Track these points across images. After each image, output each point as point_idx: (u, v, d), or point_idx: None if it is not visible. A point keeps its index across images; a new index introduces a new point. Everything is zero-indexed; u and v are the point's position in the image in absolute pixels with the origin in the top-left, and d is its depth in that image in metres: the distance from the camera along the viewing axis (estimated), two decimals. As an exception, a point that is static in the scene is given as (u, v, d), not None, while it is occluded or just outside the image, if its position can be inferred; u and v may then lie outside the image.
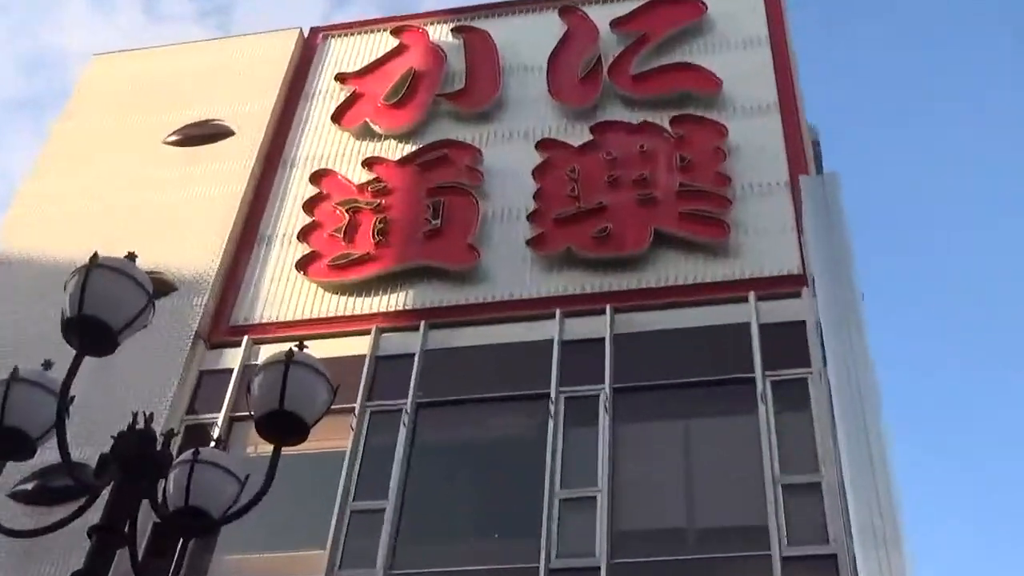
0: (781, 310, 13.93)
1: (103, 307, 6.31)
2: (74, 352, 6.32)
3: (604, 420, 13.28)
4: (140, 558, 6.56)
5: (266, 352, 11.37)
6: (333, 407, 7.00)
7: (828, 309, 12.38)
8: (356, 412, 13.90)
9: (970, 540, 44.12)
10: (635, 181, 15.59)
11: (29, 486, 13.00)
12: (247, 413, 7.00)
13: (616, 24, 18.05)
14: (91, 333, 6.30)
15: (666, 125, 16.31)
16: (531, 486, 12.87)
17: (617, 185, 15.66)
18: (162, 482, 6.70)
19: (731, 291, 14.28)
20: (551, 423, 13.34)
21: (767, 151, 15.77)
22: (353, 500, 13.23)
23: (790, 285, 14.07)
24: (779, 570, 11.53)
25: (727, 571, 11.97)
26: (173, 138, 18.21)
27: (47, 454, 6.74)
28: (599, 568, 12.01)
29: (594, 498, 12.61)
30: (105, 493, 6.45)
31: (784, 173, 15.37)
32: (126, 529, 6.36)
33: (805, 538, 11.84)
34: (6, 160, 59.39)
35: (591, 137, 16.47)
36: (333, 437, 13.31)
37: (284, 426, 6.63)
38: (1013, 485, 44.58)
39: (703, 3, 18.02)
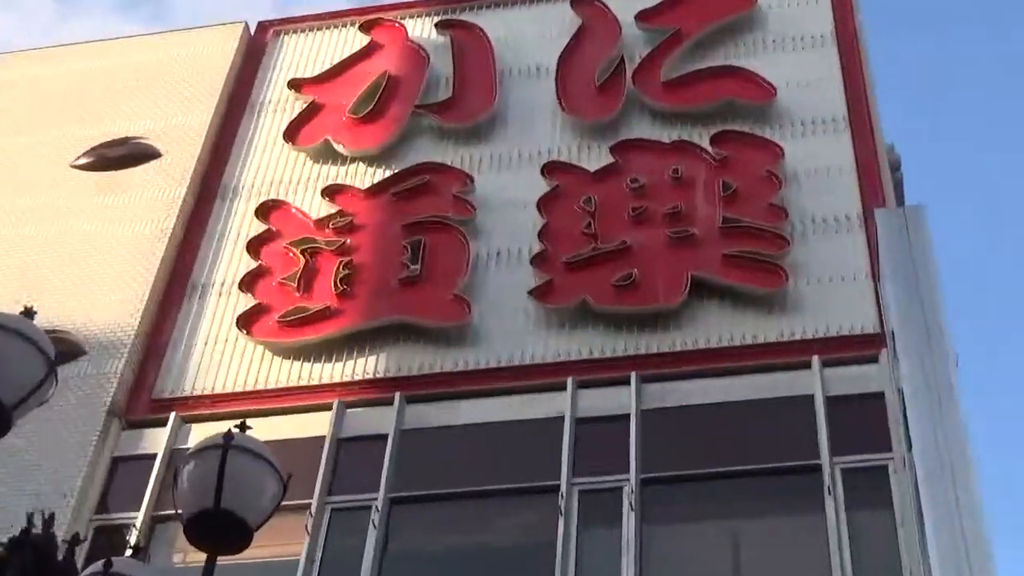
0: (853, 379, 13.88)
1: (-6, 377, 6.36)
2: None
3: (629, 520, 13.16)
4: None
5: (199, 434, 11.39)
6: (284, 503, 7.05)
7: (914, 378, 12.32)
8: (313, 510, 13.73)
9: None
10: (667, 215, 15.66)
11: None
12: (174, 511, 7.00)
13: (643, 17, 18.23)
14: (-21, 410, 6.35)
15: (706, 144, 16.40)
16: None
17: (645, 220, 15.72)
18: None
19: (790, 355, 14.24)
20: (561, 523, 13.19)
21: (834, 178, 15.84)
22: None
23: (864, 347, 14.03)
24: None
25: None
26: (84, 160, 18.29)
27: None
28: None
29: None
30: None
31: (856, 205, 15.40)
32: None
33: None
34: None
35: (612, 159, 16.56)
36: (285, 542, 13.22)
37: (221, 529, 6.67)
38: None
39: (754, -9, 18.20)
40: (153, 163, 18.04)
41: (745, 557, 13.22)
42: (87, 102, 19.07)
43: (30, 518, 6.76)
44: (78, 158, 18.26)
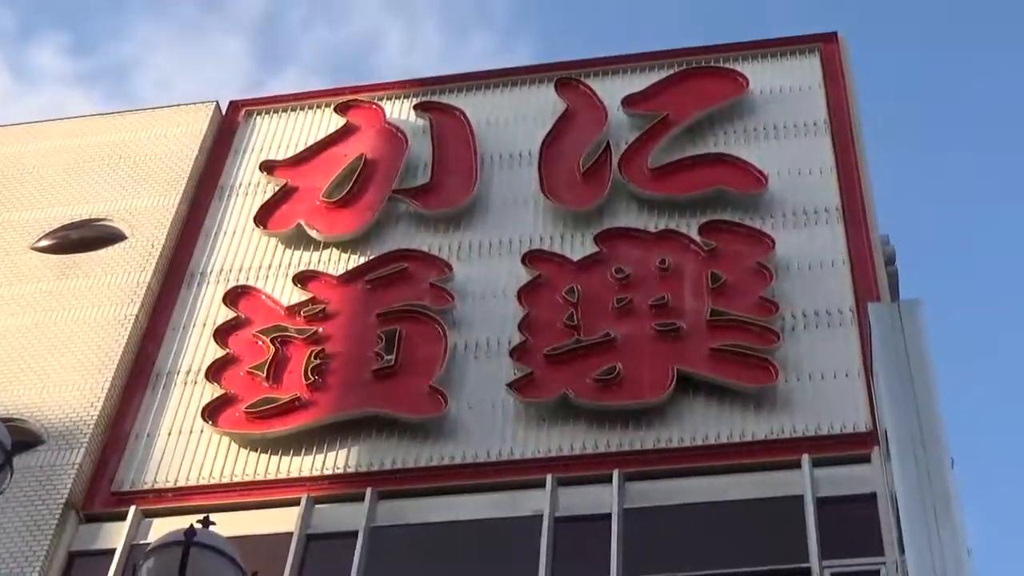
0: (845, 479, 13.88)
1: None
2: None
3: None
4: None
5: (160, 529, 11.36)
6: (252, 606, 7.10)
7: (907, 479, 12.37)
8: (281, 612, 13.80)
9: None
10: (653, 307, 15.78)
11: None
12: (133, 610, 7.07)
13: (630, 102, 18.50)
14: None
15: (694, 234, 16.59)
16: None
17: (629, 312, 15.85)
18: None
19: (779, 453, 14.27)
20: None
21: (827, 270, 16.03)
22: None
23: (856, 446, 14.08)
24: None
25: None
26: (44, 242, 18.38)
27: None
28: None
29: None
30: None
31: (849, 299, 15.58)
32: None
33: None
34: None
35: (596, 248, 16.73)
36: (249, 643, 13.23)
37: (183, 631, 6.74)
38: None
39: (744, 77, 18.49)
40: (117, 246, 18.12)
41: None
42: (48, 182, 19.16)
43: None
44: (39, 240, 18.34)
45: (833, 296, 15.71)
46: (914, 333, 13.57)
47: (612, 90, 18.68)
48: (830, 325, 15.44)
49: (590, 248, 16.77)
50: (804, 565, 13.16)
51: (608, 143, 18.00)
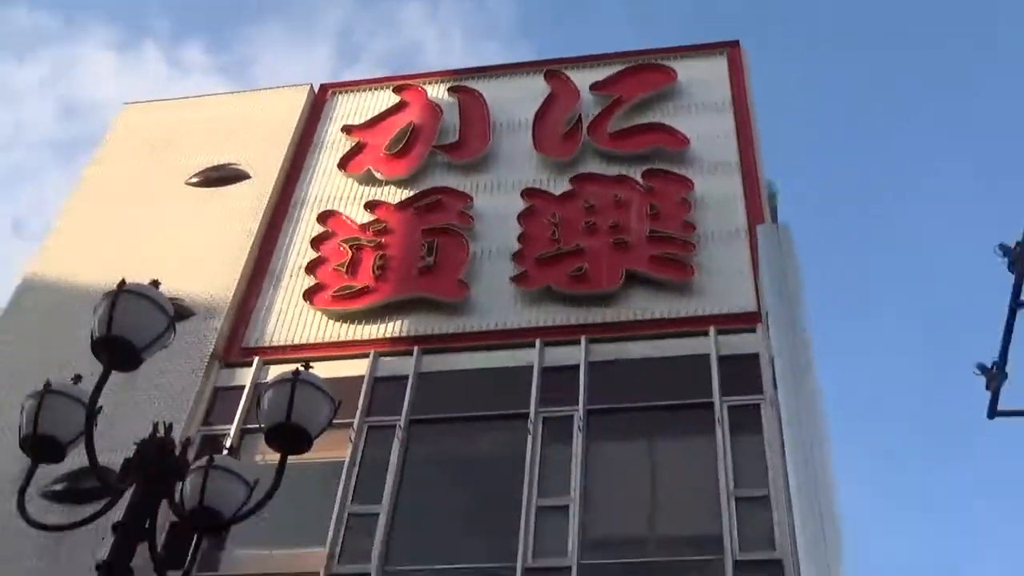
0: (738, 343, 13.89)
1: (129, 328, 6.33)
2: (102, 368, 6.34)
3: (578, 438, 13.23)
4: (159, 551, 6.54)
5: (275, 372, 11.30)
6: (334, 422, 7.02)
7: (779, 345, 12.39)
8: (355, 426, 13.79)
9: (905, 547, 44.28)
10: (610, 227, 15.62)
11: (60, 487, 12.86)
12: (257, 425, 6.96)
13: (595, 87, 18.16)
14: (118, 351, 6.31)
15: (638, 178, 16.34)
16: (511, 494, 12.78)
17: (593, 230, 15.68)
18: (179, 485, 6.69)
19: (694, 326, 14.24)
20: (530, 440, 13.26)
21: (728, 203, 15.79)
22: (351, 504, 13.16)
23: (746, 321, 14.04)
24: (731, 573, 11.53)
25: (684, 573, 11.88)
26: (195, 180, 18.17)
27: (76, 459, 6.73)
28: (571, 568, 11.95)
29: (567, 507, 12.54)
30: (128, 494, 6.45)
31: (743, 222, 15.38)
32: (146, 526, 6.35)
33: (755, 545, 11.78)
34: (43, 195, 59.23)
35: (571, 187, 16.49)
36: (334, 449, 13.23)
37: (290, 437, 6.65)
38: (943, 488, 44.92)
39: (674, 71, 18.16)
40: (244, 183, 17.92)
41: (659, 467, 13.30)
42: (197, 139, 18.93)
43: (155, 427, 6.72)
44: (190, 178, 18.15)
45: (733, 220, 15.51)
46: (787, 246, 13.58)
47: (583, 79, 18.36)
48: (730, 240, 15.27)
49: (567, 187, 16.52)
50: (709, 400, 13.28)
51: (580, 115, 17.68)
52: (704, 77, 18.13)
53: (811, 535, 10.17)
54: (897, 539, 44.56)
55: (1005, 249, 10.21)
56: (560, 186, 16.60)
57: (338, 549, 12.70)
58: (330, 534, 12.75)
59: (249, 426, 13.83)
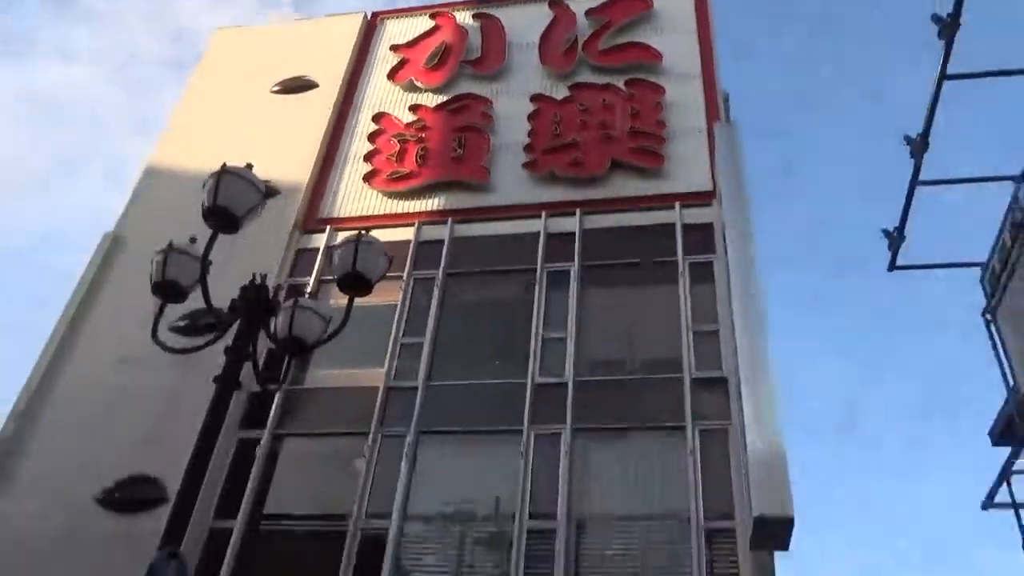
0: (697, 215, 13.69)
1: (230, 200, 6.30)
2: (210, 232, 6.32)
3: (574, 287, 13.24)
4: (260, 369, 6.64)
5: (343, 236, 11.27)
6: (388, 274, 7.03)
7: (729, 214, 12.23)
8: (404, 278, 13.81)
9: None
10: (599, 124, 15.28)
11: (183, 323, 13.04)
12: (330, 277, 6.97)
13: (589, 12, 17.45)
14: (222, 218, 6.29)
15: (622, 86, 15.88)
16: (521, 328, 12.87)
17: (586, 127, 15.33)
18: (273, 320, 6.74)
19: (663, 202, 14.01)
20: (537, 289, 13.29)
21: (691, 106, 15.33)
22: (402, 336, 13.31)
23: (704, 199, 13.78)
24: (689, 386, 11.70)
25: (655, 387, 12.01)
26: (276, 88, 17.71)
27: (193, 303, 6.76)
28: (567, 383, 12.14)
29: (564, 339, 12.66)
30: (234, 327, 6.48)
31: (703, 122, 14.95)
32: (250, 349, 6.42)
33: (707, 366, 11.92)
34: (161, 102, 58.34)
35: (569, 93, 16.04)
36: (388, 295, 13.31)
37: (355, 283, 6.67)
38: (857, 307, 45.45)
39: (651, 0, 17.43)
40: (315, 90, 17.47)
41: (636, 309, 13.25)
42: (278, 56, 18.37)
43: (254, 277, 6.74)
44: (273, 87, 17.71)
45: (696, 120, 15.06)
46: (736, 140, 13.31)
47: (580, 6, 17.64)
48: (693, 135, 14.87)
49: (566, 93, 16.07)
50: (673, 258, 13.23)
51: (576, 36, 17.06)
52: (676, 5, 17.38)
53: (748, 359, 10.25)
54: (817, 372, 45.32)
55: (908, 139, 9.95)
56: (561, 92, 16.14)
57: (393, 369, 12.94)
58: (387, 358, 12.97)
59: (324, 278, 13.91)
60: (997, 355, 9.92)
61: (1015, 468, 9.45)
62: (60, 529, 11.84)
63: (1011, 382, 9.87)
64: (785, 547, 9.32)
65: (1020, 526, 9.02)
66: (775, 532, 9.18)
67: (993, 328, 10.16)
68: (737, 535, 10.21)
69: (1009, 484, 9.47)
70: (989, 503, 9.53)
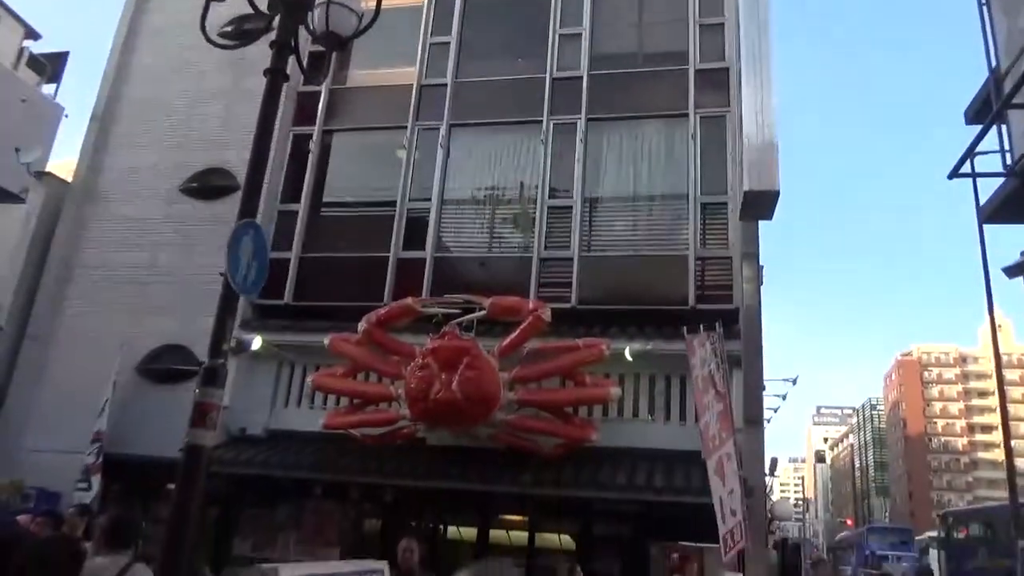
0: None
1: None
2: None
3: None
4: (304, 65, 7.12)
5: None
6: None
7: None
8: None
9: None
10: None
11: (229, 28, 13.10)
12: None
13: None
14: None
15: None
16: (540, 25, 12.81)
17: None
18: (310, 15, 7.07)
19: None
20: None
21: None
22: (431, 36, 13.43)
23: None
24: (693, 77, 11.89)
25: (662, 78, 11.99)
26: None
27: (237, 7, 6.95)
28: (582, 77, 12.40)
29: (580, 34, 12.68)
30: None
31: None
32: (291, 45, 6.85)
33: (710, 58, 12.01)
34: None
35: None
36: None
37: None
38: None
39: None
40: None
41: (643, 1, 13.04)
42: None
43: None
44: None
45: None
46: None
47: None
48: None
49: None
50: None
51: None
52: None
53: (751, 50, 10.13)
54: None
55: None
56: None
57: (424, 67, 13.27)
58: (418, 57, 13.26)
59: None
60: (984, 38, 10.04)
61: (981, 149, 9.98)
62: (160, 212, 13.33)
63: (993, 63, 10.06)
64: (769, 217, 10.01)
65: (975, 194, 9.76)
66: (762, 203, 9.80)
67: (985, 10, 10.16)
68: (728, 209, 11.01)
69: (972, 159, 10.10)
70: (954, 174, 10.23)
